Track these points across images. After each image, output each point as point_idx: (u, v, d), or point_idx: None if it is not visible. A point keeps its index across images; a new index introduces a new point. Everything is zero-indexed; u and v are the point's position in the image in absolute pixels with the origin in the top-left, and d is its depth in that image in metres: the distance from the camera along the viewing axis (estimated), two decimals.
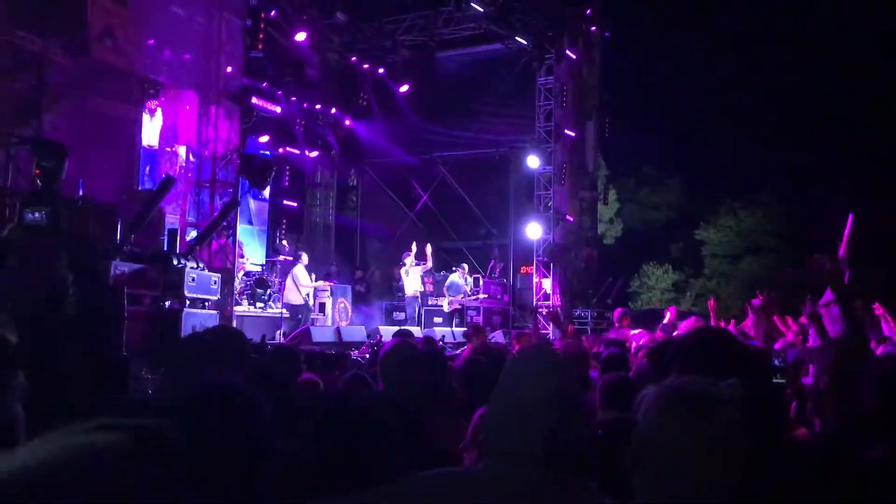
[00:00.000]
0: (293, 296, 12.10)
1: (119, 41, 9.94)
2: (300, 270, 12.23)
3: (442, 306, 14.70)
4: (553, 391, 2.10)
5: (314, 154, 16.74)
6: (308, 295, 12.32)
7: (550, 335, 12.16)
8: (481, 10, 14.17)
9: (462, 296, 14.60)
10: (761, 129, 25.54)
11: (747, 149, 25.79)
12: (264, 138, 14.07)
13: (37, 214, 3.50)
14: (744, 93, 26.16)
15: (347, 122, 16.83)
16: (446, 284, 14.81)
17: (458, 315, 14.73)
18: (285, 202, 16.08)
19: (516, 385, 2.13)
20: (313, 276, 12.61)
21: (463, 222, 17.80)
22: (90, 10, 9.68)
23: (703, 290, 26.46)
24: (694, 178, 27.54)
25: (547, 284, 15.52)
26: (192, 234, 10.48)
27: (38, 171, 3.70)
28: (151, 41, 10.30)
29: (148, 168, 10.72)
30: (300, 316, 12.06)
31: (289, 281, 12.16)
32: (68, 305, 3.18)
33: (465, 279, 14.78)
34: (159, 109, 10.89)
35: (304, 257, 12.62)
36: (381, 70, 16.18)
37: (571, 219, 16.01)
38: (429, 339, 8.55)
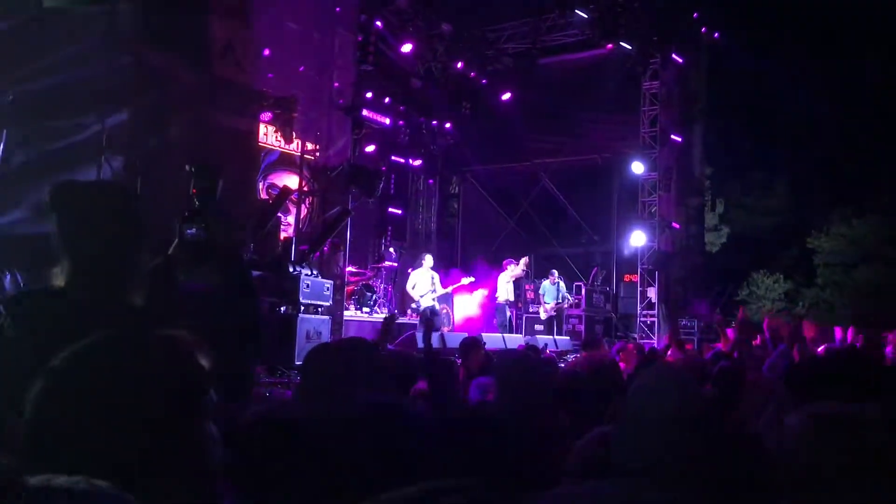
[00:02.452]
0: (424, 299, 12.40)
1: (238, 56, 10.41)
2: (422, 273, 12.49)
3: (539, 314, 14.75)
4: (682, 409, 2.14)
5: (418, 162, 17.04)
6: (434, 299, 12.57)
7: (656, 345, 11.98)
8: (585, 16, 14.13)
9: (555, 302, 14.55)
10: (874, 133, 24.36)
11: (860, 153, 24.63)
12: (371, 148, 14.43)
13: (195, 230, 3.77)
14: (854, 95, 25.01)
15: (450, 130, 17.03)
16: (540, 291, 14.82)
17: (556, 321, 14.71)
18: (390, 210, 16.42)
19: (646, 404, 2.17)
20: (434, 279, 12.76)
21: (564, 229, 17.74)
22: (212, 27, 10.19)
23: (815, 299, 25.41)
24: (803, 183, 26.51)
25: (651, 293, 15.28)
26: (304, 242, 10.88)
27: (195, 191, 3.99)
28: (268, 55, 10.74)
29: (264, 178, 11.19)
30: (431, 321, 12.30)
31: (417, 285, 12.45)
32: (229, 318, 3.40)
33: (557, 284, 14.71)
34: (275, 121, 11.35)
35: (429, 258, 12.84)
36: (483, 78, 16.32)
37: (677, 226, 15.71)
38: (532, 348, 8.60)
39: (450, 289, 13.44)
